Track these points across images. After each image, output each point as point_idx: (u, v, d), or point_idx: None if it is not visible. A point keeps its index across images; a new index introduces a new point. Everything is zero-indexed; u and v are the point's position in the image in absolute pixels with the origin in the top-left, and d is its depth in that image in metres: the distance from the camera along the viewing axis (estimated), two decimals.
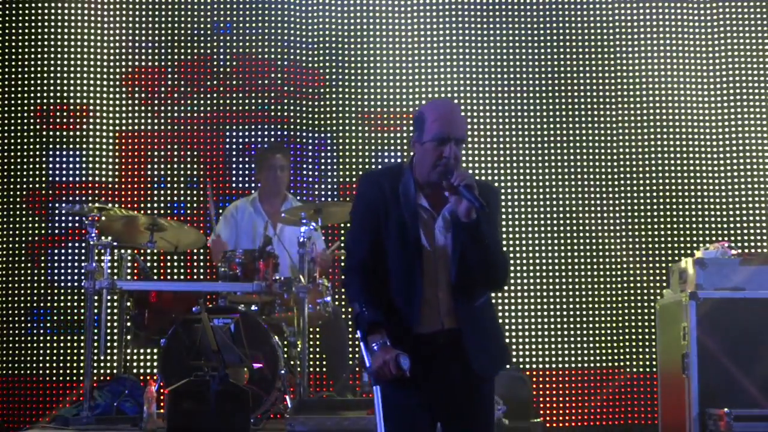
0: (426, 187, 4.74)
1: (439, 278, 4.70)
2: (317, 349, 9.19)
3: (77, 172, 9.74)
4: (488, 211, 4.59)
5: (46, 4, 9.90)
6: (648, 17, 10.26)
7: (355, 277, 4.73)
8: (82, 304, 8.89)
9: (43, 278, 9.59)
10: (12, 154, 9.74)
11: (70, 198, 9.61)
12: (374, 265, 4.71)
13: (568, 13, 10.24)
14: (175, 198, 9.78)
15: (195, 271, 9.66)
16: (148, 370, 9.34)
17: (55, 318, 9.52)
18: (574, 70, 10.16)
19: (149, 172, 9.80)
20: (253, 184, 9.67)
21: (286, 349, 8.07)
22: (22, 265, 9.61)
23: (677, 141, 10.07)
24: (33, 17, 9.90)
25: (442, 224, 4.72)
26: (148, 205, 9.70)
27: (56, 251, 9.63)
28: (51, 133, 9.78)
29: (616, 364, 9.76)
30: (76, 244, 9.59)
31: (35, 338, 9.50)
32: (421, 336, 4.65)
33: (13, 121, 9.78)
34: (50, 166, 9.74)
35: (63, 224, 9.67)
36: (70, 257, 9.62)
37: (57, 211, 9.58)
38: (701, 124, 10.11)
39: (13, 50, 9.87)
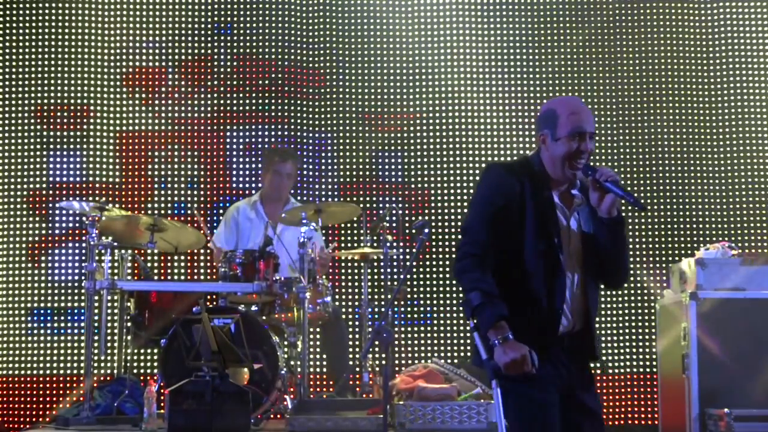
0: (557, 183, 4.73)
1: (575, 276, 4.70)
2: (317, 350, 9.19)
3: (78, 172, 9.74)
4: (644, 206, 4.60)
5: (46, 4, 9.90)
6: (648, 15, 10.25)
7: (476, 265, 4.63)
8: (82, 304, 8.88)
9: (43, 278, 9.59)
10: (12, 154, 9.75)
11: (71, 198, 9.60)
12: (493, 256, 4.64)
13: (567, 11, 10.24)
14: (176, 198, 9.78)
15: (195, 271, 9.66)
16: (149, 371, 9.34)
17: (56, 318, 9.52)
18: (573, 68, 10.16)
19: (150, 172, 9.80)
20: (253, 185, 9.66)
21: (286, 350, 8.07)
22: (23, 265, 9.61)
23: (677, 141, 10.07)
24: (33, 17, 9.90)
25: (576, 221, 4.72)
26: (149, 205, 9.70)
27: (56, 251, 9.62)
28: (51, 133, 9.78)
29: (617, 364, 9.76)
30: (77, 245, 9.58)
31: (35, 338, 9.50)
32: (559, 336, 4.65)
33: (13, 121, 9.79)
34: (50, 166, 9.74)
35: (63, 224, 9.66)
36: (70, 257, 9.62)
37: (58, 212, 9.58)
38: (702, 123, 10.11)
39: (13, 50, 9.87)
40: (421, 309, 9.77)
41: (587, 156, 4.66)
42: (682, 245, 9.86)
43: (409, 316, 9.74)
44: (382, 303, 9.16)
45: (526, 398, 4.56)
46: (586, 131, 4.67)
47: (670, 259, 9.65)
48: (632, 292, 9.81)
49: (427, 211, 9.87)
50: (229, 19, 10.08)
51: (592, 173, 4.61)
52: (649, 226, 9.95)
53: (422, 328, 9.74)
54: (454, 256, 9.44)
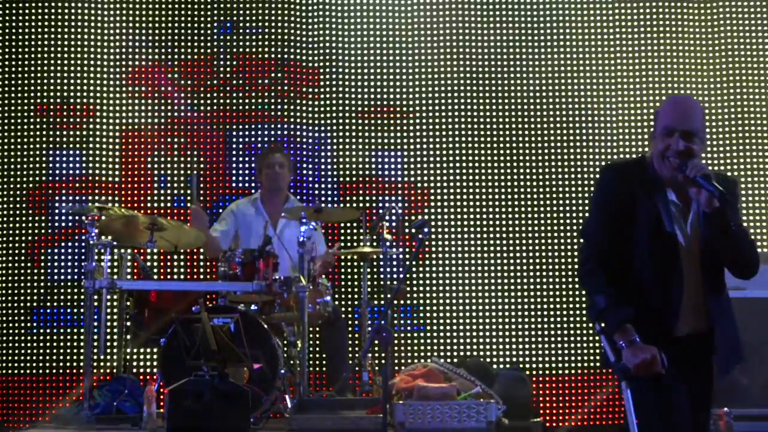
0: (671, 181, 4.72)
1: (694, 276, 4.67)
2: (317, 349, 9.19)
3: (77, 171, 9.73)
4: (729, 199, 4.56)
5: (46, 4, 9.90)
6: (640, 17, 10.25)
7: (598, 268, 4.68)
8: (82, 303, 8.87)
9: (43, 278, 9.59)
10: (12, 153, 9.74)
11: (71, 198, 9.60)
12: (615, 256, 4.67)
13: (566, 11, 10.24)
14: (176, 197, 9.78)
15: (195, 270, 9.66)
16: (148, 370, 9.34)
17: (55, 317, 9.52)
18: (572, 68, 10.16)
19: (149, 172, 9.80)
20: (253, 184, 9.66)
21: (285, 349, 8.06)
22: (22, 264, 9.60)
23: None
24: (33, 16, 9.90)
25: (693, 219, 4.70)
26: (148, 204, 9.70)
27: (56, 251, 9.62)
28: (51, 132, 9.77)
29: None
30: (76, 244, 9.58)
31: (35, 338, 9.50)
32: (678, 337, 4.64)
33: (13, 121, 9.79)
34: (50, 165, 9.73)
35: (63, 224, 9.66)
36: (70, 257, 9.62)
37: (57, 211, 9.59)
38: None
39: (14, 50, 9.87)
40: (421, 308, 9.77)
41: (681, 155, 4.63)
42: None
43: (408, 315, 9.73)
44: (382, 302, 9.16)
45: (651, 399, 4.57)
46: (675, 128, 4.67)
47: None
48: None
49: (426, 210, 9.87)
50: (229, 18, 10.08)
51: (684, 169, 4.60)
52: None
53: (422, 328, 9.74)
54: (453, 254, 9.56)
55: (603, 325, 4.58)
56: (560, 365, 9.75)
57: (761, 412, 7.59)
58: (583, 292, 9.66)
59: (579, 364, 9.76)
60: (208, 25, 10.05)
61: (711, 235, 4.60)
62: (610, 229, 4.70)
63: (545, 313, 9.80)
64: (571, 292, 9.82)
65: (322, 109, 10.03)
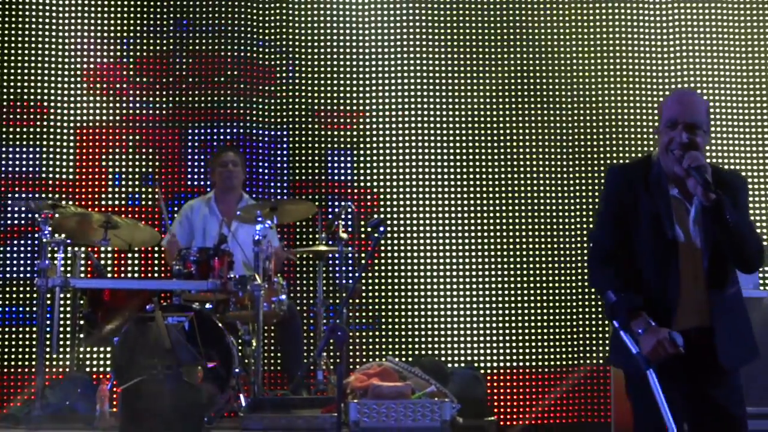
0: (674, 176, 4.74)
1: (694, 271, 4.69)
2: (272, 348, 9.18)
3: (31, 168, 9.65)
4: (729, 192, 4.59)
5: None
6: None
7: (605, 266, 4.75)
8: (34, 302, 8.81)
9: None
10: None
11: (23, 195, 9.52)
12: (622, 257, 4.72)
13: (521, 13, 10.27)
14: (130, 195, 9.73)
15: (149, 269, 9.61)
16: (101, 369, 9.28)
17: (7, 316, 9.44)
18: (527, 68, 10.20)
19: (104, 169, 9.74)
20: (209, 182, 9.62)
21: (240, 348, 8.05)
22: None
23: (637, 140, 10.12)
24: None
25: (695, 214, 4.71)
26: (103, 202, 9.64)
27: (8, 248, 9.53)
28: (4, 129, 9.68)
29: (570, 361, 9.80)
30: (29, 242, 9.50)
31: None
32: (679, 332, 4.63)
33: None
34: (3, 162, 9.64)
35: (15, 221, 9.58)
36: (22, 255, 9.54)
37: (10, 208, 9.51)
38: (648, 126, 10.16)
39: None
40: (376, 307, 9.78)
41: (684, 147, 4.65)
42: None
43: (363, 314, 9.74)
44: (337, 301, 9.15)
45: (648, 393, 4.57)
46: (679, 120, 4.70)
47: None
48: (586, 289, 9.85)
49: (381, 210, 9.87)
50: (186, 15, 10.03)
51: (681, 161, 4.64)
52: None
53: (377, 327, 9.75)
54: (408, 254, 9.57)
55: (617, 319, 4.63)
56: (515, 364, 9.78)
57: (760, 411, 7.63)
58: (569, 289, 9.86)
59: (533, 362, 9.80)
60: (164, 22, 9.99)
61: (709, 228, 4.64)
62: (615, 229, 4.76)
63: (500, 312, 9.83)
64: (524, 290, 9.85)
65: (278, 107, 10.01)
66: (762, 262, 4.81)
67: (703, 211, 4.61)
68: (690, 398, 4.67)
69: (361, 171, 9.99)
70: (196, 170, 9.85)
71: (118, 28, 9.93)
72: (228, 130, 9.92)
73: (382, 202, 9.93)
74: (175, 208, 9.40)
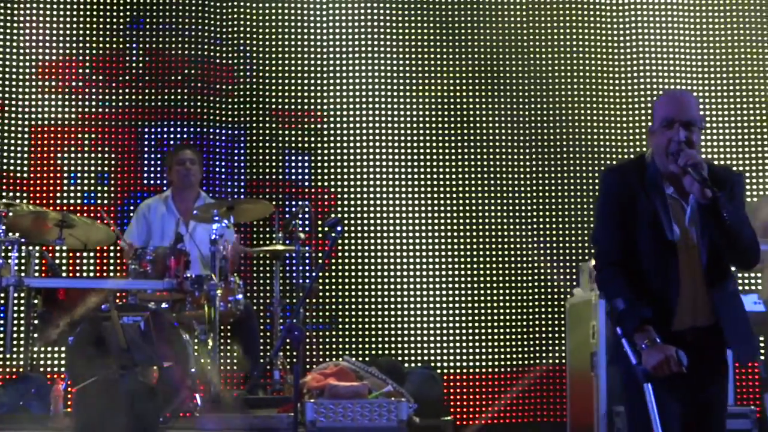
0: (670, 176, 4.73)
1: (693, 270, 4.69)
2: (228, 348, 9.14)
3: None
4: (726, 189, 4.59)
5: None
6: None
7: (615, 274, 4.72)
8: None
9: None
10: None
11: None
12: (628, 259, 4.71)
13: (478, 11, 10.30)
14: (86, 194, 9.67)
15: (105, 268, 9.56)
16: (56, 369, 9.21)
17: None
18: (484, 68, 10.23)
19: (59, 168, 9.67)
20: (164, 181, 9.58)
21: (196, 347, 8.01)
22: None
23: (588, 139, 10.18)
24: None
25: (691, 212, 4.71)
26: (58, 201, 9.58)
27: None
28: None
29: (526, 362, 9.84)
30: None
31: None
32: (678, 332, 4.64)
33: None
34: None
35: None
36: None
37: None
38: (612, 121, 10.22)
39: None
40: (333, 307, 9.77)
41: (682, 145, 4.65)
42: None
43: (320, 314, 9.73)
44: (294, 301, 9.14)
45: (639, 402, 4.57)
46: (674, 120, 4.70)
47: (580, 257, 9.76)
48: (542, 290, 9.90)
49: (338, 209, 9.87)
50: (141, 13, 9.97)
51: (678, 159, 4.64)
52: (560, 224, 10.05)
53: (333, 326, 9.74)
54: (366, 254, 9.57)
55: (622, 327, 4.61)
56: (471, 364, 9.81)
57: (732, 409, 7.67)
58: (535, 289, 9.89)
59: (490, 362, 9.83)
60: (121, 20, 9.93)
61: (706, 226, 4.65)
62: (618, 231, 4.76)
63: (456, 312, 9.85)
64: (481, 290, 9.88)
65: (236, 107, 9.98)
66: (758, 259, 4.81)
67: (700, 209, 4.62)
68: (687, 392, 4.67)
69: (319, 171, 9.98)
70: (152, 169, 9.79)
71: (74, 25, 9.86)
72: (185, 129, 9.88)
73: (339, 202, 9.92)
74: (132, 208, 9.35)
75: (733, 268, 4.87)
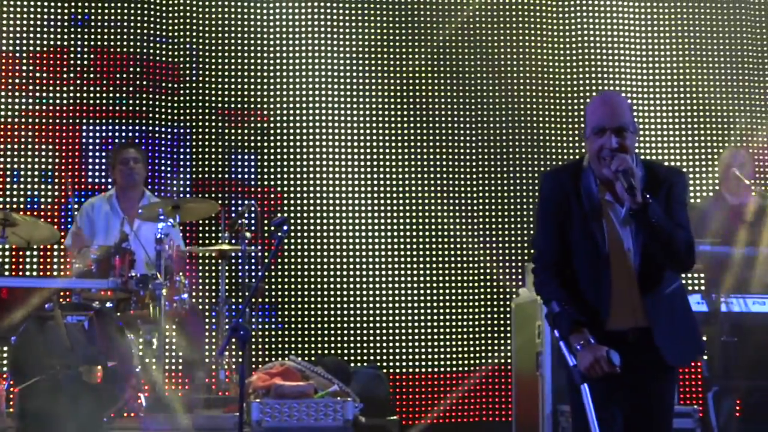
0: (606, 180, 4.74)
1: (627, 273, 4.70)
2: (173, 347, 9.09)
3: None
4: (646, 195, 4.59)
5: None
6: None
7: (550, 277, 4.76)
8: None
9: None
10: None
11: None
12: (565, 262, 4.75)
13: (427, 12, 10.32)
14: (29, 192, 9.57)
15: (48, 267, 9.47)
16: None
17: None
18: (433, 68, 10.25)
19: (1, 166, 9.57)
20: (109, 180, 9.51)
21: (141, 347, 7.97)
22: None
23: (534, 140, 10.23)
24: None
25: (625, 216, 4.70)
26: (0, 199, 9.48)
27: None
28: None
29: (472, 362, 9.87)
30: None
31: None
32: (612, 333, 4.66)
33: None
34: None
35: None
36: None
37: None
38: (558, 121, 10.28)
39: None
40: (279, 306, 9.75)
41: (615, 152, 4.66)
42: None
43: (266, 313, 9.70)
44: (240, 300, 9.11)
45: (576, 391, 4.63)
46: (606, 127, 4.71)
47: (526, 257, 9.80)
48: (488, 290, 9.94)
49: (285, 209, 9.85)
50: (86, 10, 9.89)
51: (610, 165, 4.66)
52: (505, 225, 10.09)
53: (280, 326, 9.72)
54: (311, 253, 9.56)
55: (559, 330, 4.67)
56: (417, 363, 9.83)
57: (675, 409, 7.71)
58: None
59: (436, 362, 9.86)
60: (64, 17, 9.84)
61: (638, 230, 4.68)
62: (555, 236, 4.79)
63: (402, 311, 9.87)
64: (427, 290, 9.90)
65: (181, 105, 9.93)
66: (692, 261, 4.84)
67: (631, 214, 4.65)
68: (630, 391, 4.70)
69: (265, 170, 9.95)
70: (96, 168, 9.72)
71: (16, 21, 9.75)
72: (129, 128, 9.81)
73: (285, 201, 9.90)
74: (76, 206, 9.27)
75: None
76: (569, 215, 4.75)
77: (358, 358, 9.72)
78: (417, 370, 9.82)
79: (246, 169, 9.95)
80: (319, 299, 9.79)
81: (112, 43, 9.87)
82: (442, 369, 9.85)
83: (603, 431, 4.55)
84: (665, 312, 4.74)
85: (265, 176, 9.94)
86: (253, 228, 8.75)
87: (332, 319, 9.78)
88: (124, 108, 9.84)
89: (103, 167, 9.66)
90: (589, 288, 4.71)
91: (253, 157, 9.97)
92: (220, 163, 9.89)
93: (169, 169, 9.82)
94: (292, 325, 9.74)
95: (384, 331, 9.82)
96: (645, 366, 4.70)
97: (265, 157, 9.96)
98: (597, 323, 4.67)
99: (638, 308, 4.71)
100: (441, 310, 9.91)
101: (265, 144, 9.98)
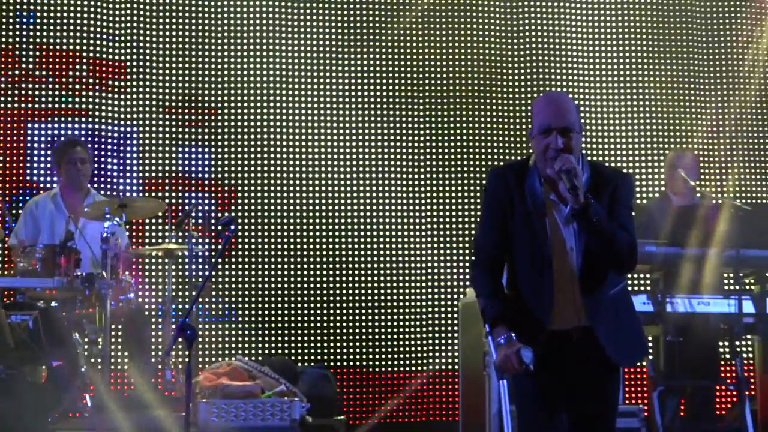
0: (550, 180, 4.74)
1: (569, 272, 4.71)
2: (119, 347, 9.04)
3: None
4: (588, 195, 4.60)
5: None
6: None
7: (482, 272, 4.79)
8: None
9: None
10: None
11: None
12: (502, 260, 4.77)
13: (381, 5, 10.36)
14: None
15: None
16: None
17: None
18: (385, 60, 10.27)
19: None
20: (54, 179, 9.43)
21: (86, 347, 7.91)
22: None
23: (483, 140, 10.27)
24: None
25: (568, 216, 4.71)
26: None
27: None
28: None
29: (419, 361, 9.89)
30: None
31: None
32: (556, 332, 4.67)
33: None
34: None
35: None
36: None
37: None
38: (507, 120, 10.34)
39: None
40: (226, 306, 9.72)
41: (559, 152, 4.66)
42: None
43: (213, 313, 9.67)
44: (186, 300, 9.07)
45: (523, 390, 4.71)
46: (552, 127, 4.71)
47: (474, 258, 9.82)
48: (436, 290, 9.96)
49: (233, 208, 9.82)
50: (31, 8, 9.80)
51: (555, 165, 4.67)
52: (453, 225, 10.12)
53: (227, 326, 9.68)
54: (259, 252, 9.54)
55: (485, 323, 4.71)
56: (365, 363, 9.83)
57: (620, 408, 7.75)
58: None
59: (383, 362, 9.87)
60: (10, 14, 9.75)
61: (584, 232, 4.70)
62: (495, 233, 4.79)
63: (350, 310, 9.87)
64: (375, 290, 9.91)
65: (127, 102, 9.86)
66: (634, 262, 4.85)
67: (573, 214, 4.68)
68: (575, 390, 4.72)
69: (213, 168, 9.91)
70: (41, 166, 9.63)
71: None
72: (75, 126, 9.73)
73: (233, 201, 9.87)
74: (20, 205, 9.20)
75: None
76: (512, 214, 4.76)
77: (306, 357, 9.71)
78: (365, 369, 9.82)
79: (194, 167, 9.90)
80: (266, 298, 9.76)
81: (57, 41, 9.79)
82: (389, 369, 9.86)
83: (542, 430, 4.61)
84: (608, 312, 4.75)
85: (214, 174, 9.90)
86: (200, 227, 8.71)
87: (279, 318, 9.75)
88: (69, 106, 9.76)
89: (48, 166, 9.57)
90: (531, 287, 4.73)
91: (201, 154, 9.93)
92: (167, 160, 9.84)
93: (115, 167, 9.76)
94: (240, 325, 9.71)
95: (332, 331, 9.81)
96: (590, 365, 4.71)
97: (214, 154, 9.92)
98: (540, 322, 4.68)
99: (581, 308, 4.72)
100: (389, 309, 9.92)
101: (214, 142, 9.94)
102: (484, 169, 10.18)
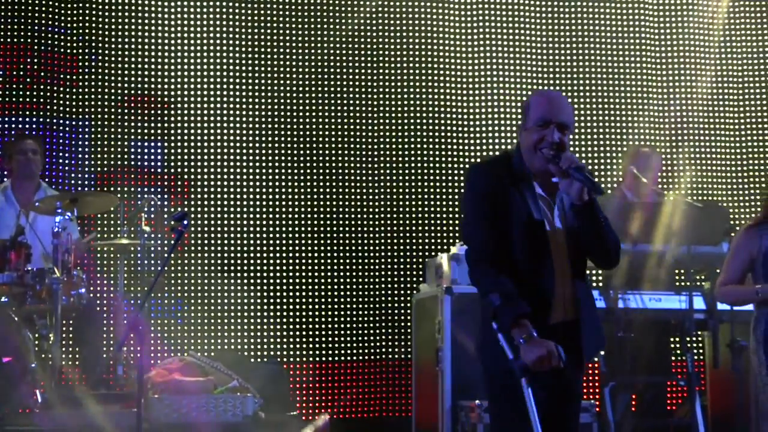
0: (538, 174, 4.74)
1: (562, 266, 4.72)
2: (70, 342, 8.98)
3: None
4: (604, 191, 4.62)
5: None
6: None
7: (487, 269, 4.69)
8: None
9: None
10: None
11: None
12: (501, 256, 4.70)
13: (336, 10, 10.35)
14: None
15: None
16: None
17: None
18: (331, 56, 10.27)
19: None
20: (4, 173, 9.35)
21: (37, 342, 7.85)
22: None
23: (437, 137, 10.30)
24: None
25: (559, 211, 4.73)
26: None
27: None
28: None
29: (372, 356, 9.90)
30: None
31: None
32: (549, 326, 4.66)
33: None
34: None
35: None
36: None
37: None
38: (462, 122, 10.36)
39: None
40: (178, 301, 9.68)
41: (556, 146, 4.68)
42: (438, 240, 10.08)
43: (165, 308, 9.63)
44: (138, 295, 9.03)
45: (510, 389, 4.61)
46: (552, 121, 4.72)
47: (427, 253, 9.86)
48: (389, 285, 9.98)
49: (186, 203, 9.78)
50: None
51: (556, 162, 4.65)
52: (407, 221, 10.14)
53: (179, 321, 9.65)
54: (212, 247, 9.51)
55: (499, 323, 4.61)
56: (318, 359, 9.83)
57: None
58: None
59: (336, 356, 9.87)
60: None
61: (579, 227, 4.72)
62: (490, 229, 4.75)
63: (302, 305, 9.87)
64: (328, 284, 9.91)
65: (80, 97, 9.79)
66: (618, 258, 4.93)
67: (573, 209, 4.69)
68: (550, 386, 4.72)
69: (165, 163, 9.87)
70: None
71: None
72: (26, 120, 9.65)
73: (186, 196, 9.83)
74: None
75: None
76: (505, 207, 4.76)
77: (258, 352, 9.69)
78: (318, 365, 9.81)
79: (147, 161, 9.86)
80: (218, 293, 9.73)
81: (8, 35, 9.70)
82: (342, 364, 9.88)
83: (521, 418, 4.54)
84: (587, 306, 4.84)
85: (166, 169, 9.86)
86: (152, 221, 8.67)
87: (232, 313, 9.73)
88: (20, 100, 9.67)
89: None
90: (532, 280, 4.71)
91: (154, 148, 9.88)
92: (120, 154, 9.78)
93: (67, 161, 9.69)
94: (192, 320, 9.67)
95: (285, 326, 9.79)
96: (568, 358, 4.74)
97: (168, 148, 9.88)
98: (541, 318, 4.67)
99: (569, 301, 4.77)
100: (342, 305, 9.94)
101: (167, 136, 9.89)
102: (437, 165, 10.21)
